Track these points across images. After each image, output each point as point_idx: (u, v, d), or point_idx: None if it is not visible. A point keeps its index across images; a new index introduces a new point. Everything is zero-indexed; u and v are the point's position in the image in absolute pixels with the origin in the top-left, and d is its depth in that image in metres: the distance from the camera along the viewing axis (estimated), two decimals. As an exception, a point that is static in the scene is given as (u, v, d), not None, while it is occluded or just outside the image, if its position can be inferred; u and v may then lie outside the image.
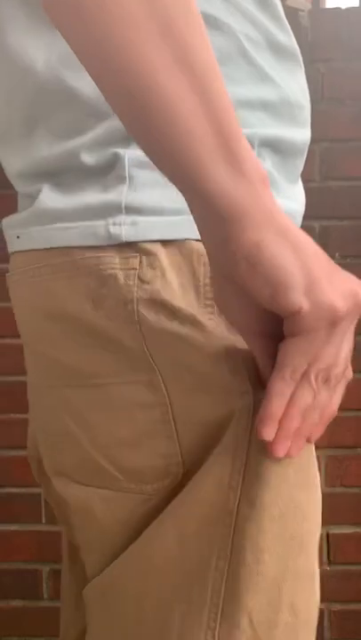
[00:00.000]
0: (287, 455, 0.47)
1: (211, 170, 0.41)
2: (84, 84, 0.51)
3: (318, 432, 0.48)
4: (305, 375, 0.44)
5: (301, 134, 0.61)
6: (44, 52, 0.53)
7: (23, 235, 0.56)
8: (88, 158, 0.53)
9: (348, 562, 1.36)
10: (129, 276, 0.51)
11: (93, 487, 0.55)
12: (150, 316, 0.50)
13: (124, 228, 0.51)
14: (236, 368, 0.50)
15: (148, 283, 0.51)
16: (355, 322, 0.45)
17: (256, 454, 0.50)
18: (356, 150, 1.28)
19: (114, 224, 0.52)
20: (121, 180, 0.52)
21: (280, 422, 0.45)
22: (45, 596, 1.40)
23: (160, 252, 0.52)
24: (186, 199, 0.43)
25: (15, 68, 0.55)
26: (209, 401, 0.51)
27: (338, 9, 1.26)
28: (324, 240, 1.28)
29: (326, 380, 0.45)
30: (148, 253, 0.52)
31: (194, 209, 0.43)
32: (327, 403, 0.47)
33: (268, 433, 0.45)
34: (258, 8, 0.57)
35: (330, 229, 1.28)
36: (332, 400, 0.47)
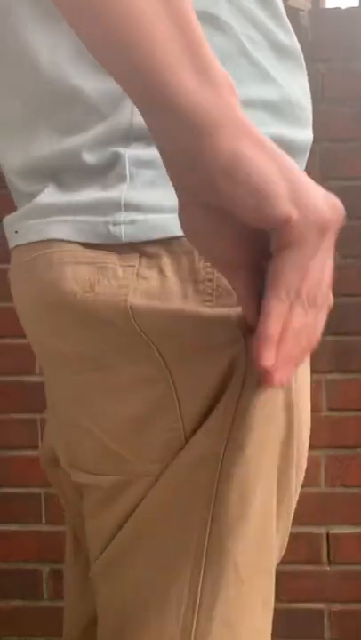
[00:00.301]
0: (279, 384, 0.44)
1: (180, 78, 0.38)
2: (87, 83, 0.51)
3: (304, 358, 0.45)
4: (298, 294, 0.42)
5: (303, 134, 0.61)
6: (48, 48, 0.53)
7: (21, 229, 0.57)
8: (89, 157, 0.53)
9: (349, 562, 1.36)
10: (127, 271, 0.51)
11: (104, 476, 0.55)
12: (142, 301, 0.50)
13: (124, 227, 0.51)
14: (226, 323, 0.50)
15: (145, 279, 0.51)
16: (335, 236, 0.43)
17: (246, 400, 0.50)
18: (357, 150, 1.28)
19: (114, 223, 0.52)
20: (121, 178, 0.52)
21: (278, 346, 0.43)
22: (45, 596, 1.40)
23: (160, 252, 0.52)
24: (150, 122, 0.41)
25: (19, 63, 0.55)
26: (205, 363, 0.51)
27: (338, 9, 1.26)
28: (324, 240, 1.28)
29: (313, 301, 0.43)
30: (146, 254, 0.52)
31: (161, 128, 0.40)
32: (314, 325, 0.44)
33: (269, 357, 0.42)
34: (259, 7, 0.57)
35: (330, 229, 1.28)
36: (318, 321, 0.44)
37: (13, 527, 1.39)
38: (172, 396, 0.52)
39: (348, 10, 1.26)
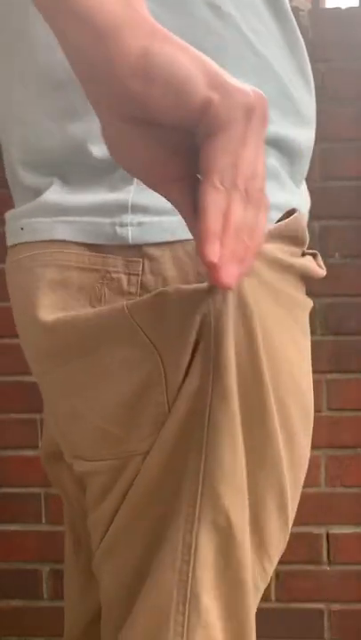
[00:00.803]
0: (227, 283, 0.41)
1: None
2: None
3: (250, 258, 0.43)
4: (233, 183, 0.40)
5: (305, 134, 0.62)
6: (46, 31, 0.53)
7: (27, 226, 0.57)
8: (95, 150, 0.52)
9: (349, 562, 1.36)
10: (132, 282, 0.52)
11: (103, 461, 0.55)
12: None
13: (131, 229, 0.52)
14: (199, 290, 0.50)
15: (149, 292, 0.51)
16: (265, 126, 0.41)
17: (225, 349, 0.50)
18: (357, 150, 1.28)
19: (121, 225, 0.52)
20: (128, 180, 0.52)
21: (221, 242, 0.41)
22: (45, 596, 1.40)
23: (164, 255, 0.52)
24: (57, 31, 0.40)
25: (18, 47, 0.55)
26: (183, 331, 0.51)
27: (338, 9, 1.26)
28: (324, 240, 1.28)
29: (251, 195, 0.41)
30: (151, 258, 0.52)
31: (67, 38, 0.39)
32: (254, 221, 0.42)
33: (213, 251, 0.40)
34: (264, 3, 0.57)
35: (330, 229, 1.28)
36: (259, 220, 0.42)
37: (13, 527, 1.39)
38: (159, 371, 0.52)
39: (349, 10, 1.26)
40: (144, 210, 0.52)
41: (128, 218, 0.52)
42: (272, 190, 0.58)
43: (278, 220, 0.57)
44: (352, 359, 1.31)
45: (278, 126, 0.58)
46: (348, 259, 1.30)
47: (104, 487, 0.56)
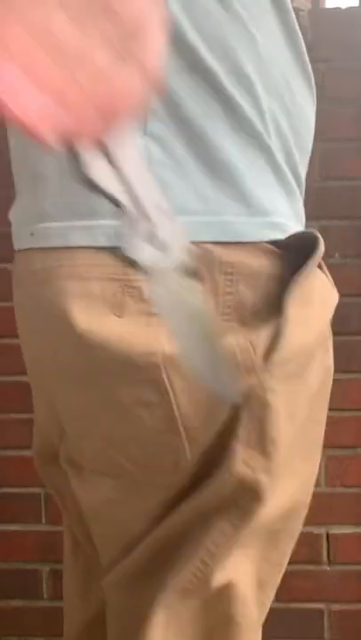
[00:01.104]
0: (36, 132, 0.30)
1: None
2: None
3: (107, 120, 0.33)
4: None
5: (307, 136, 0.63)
6: None
7: (37, 231, 0.56)
8: None
9: (349, 562, 1.36)
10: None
11: (110, 477, 0.55)
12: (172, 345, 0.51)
13: None
14: (243, 353, 0.52)
15: None
16: None
17: (269, 427, 0.52)
18: (357, 150, 1.28)
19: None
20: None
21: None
22: (45, 596, 1.40)
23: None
24: None
25: None
26: (211, 399, 0.52)
27: (338, 9, 1.26)
28: (324, 240, 1.28)
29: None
30: None
31: None
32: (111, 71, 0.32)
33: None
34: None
35: (330, 229, 1.28)
36: (122, 75, 0.32)
37: (13, 527, 1.39)
38: (175, 422, 0.52)
39: (349, 10, 1.27)
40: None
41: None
42: (274, 194, 0.58)
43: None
44: (352, 359, 1.31)
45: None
46: (349, 259, 1.30)
47: (107, 505, 0.57)
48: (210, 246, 0.53)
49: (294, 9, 0.62)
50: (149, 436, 0.53)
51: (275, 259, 0.56)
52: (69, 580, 0.72)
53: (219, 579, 0.54)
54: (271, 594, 0.61)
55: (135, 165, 0.34)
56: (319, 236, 0.56)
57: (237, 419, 0.52)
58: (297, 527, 0.62)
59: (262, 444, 0.52)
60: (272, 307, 0.55)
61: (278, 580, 0.61)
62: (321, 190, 1.27)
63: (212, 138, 0.54)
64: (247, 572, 0.57)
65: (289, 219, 0.60)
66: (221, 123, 0.54)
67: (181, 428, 0.52)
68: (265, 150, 0.57)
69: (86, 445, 0.57)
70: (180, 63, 0.53)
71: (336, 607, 1.37)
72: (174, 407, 0.52)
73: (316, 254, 0.55)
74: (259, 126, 0.56)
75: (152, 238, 0.35)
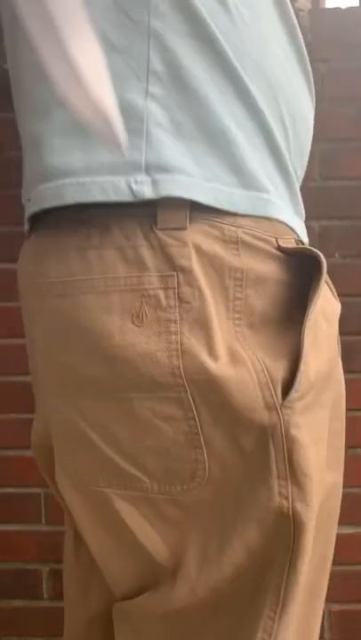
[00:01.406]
0: None
1: None
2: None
3: None
4: None
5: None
6: None
7: (32, 195, 0.56)
8: None
9: (349, 562, 1.36)
10: (169, 296, 0.52)
11: (112, 489, 0.55)
12: (191, 343, 0.52)
13: (146, 187, 0.52)
14: (263, 389, 0.53)
15: (188, 302, 0.52)
16: None
17: (297, 460, 0.54)
18: (357, 150, 1.28)
19: (135, 182, 0.52)
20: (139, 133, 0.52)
21: None
22: (45, 595, 1.40)
23: (195, 267, 0.52)
24: None
25: None
26: (238, 417, 0.53)
27: (338, 9, 1.26)
28: (324, 240, 1.28)
29: None
30: (183, 271, 0.52)
31: None
32: None
33: None
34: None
35: (330, 229, 1.28)
36: None
37: (13, 527, 1.39)
38: (198, 435, 0.53)
39: (348, 10, 1.26)
40: (163, 169, 0.52)
41: (142, 177, 0.52)
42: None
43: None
44: (353, 359, 1.31)
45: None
46: (349, 259, 1.30)
47: (107, 516, 0.58)
48: (222, 255, 0.53)
49: (295, 9, 0.62)
50: (170, 449, 0.54)
51: (281, 264, 0.57)
52: (70, 578, 0.72)
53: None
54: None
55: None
56: (322, 258, 0.56)
57: (267, 452, 0.53)
58: (332, 534, 0.64)
59: (294, 476, 0.53)
60: (280, 310, 0.55)
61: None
62: (321, 190, 1.27)
63: (214, 105, 0.53)
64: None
65: (285, 201, 0.60)
66: (224, 91, 0.54)
67: (203, 443, 0.53)
68: (264, 128, 0.56)
69: (84, 458, 0.58)
70: (186, 27, 0.52)
71: (336, 607, 1.37)
72: (197, 422, 0.53)
73: (320, 280, 0.55)
74: (261, 104, 0.56)
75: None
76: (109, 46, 0.51)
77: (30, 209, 0.57)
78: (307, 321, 0.54)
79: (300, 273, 0.57)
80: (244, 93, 0.54)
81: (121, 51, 0.52)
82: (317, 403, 0.57)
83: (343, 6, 1.26)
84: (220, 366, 0.52)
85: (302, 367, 0.53)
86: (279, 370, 0.54)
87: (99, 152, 0.52)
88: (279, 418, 0.53)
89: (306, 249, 0.57)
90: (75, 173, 0.53)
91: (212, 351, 0.52)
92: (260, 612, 0.54)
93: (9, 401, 1.36)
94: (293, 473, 0.53)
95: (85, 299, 0.53)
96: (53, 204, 0.54)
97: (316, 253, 0.56)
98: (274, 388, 0.53)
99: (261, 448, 0.53)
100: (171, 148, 0.52)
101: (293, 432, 0.53)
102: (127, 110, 0.51)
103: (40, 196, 0.55)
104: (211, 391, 0.52)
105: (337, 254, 1.28)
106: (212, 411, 0.53)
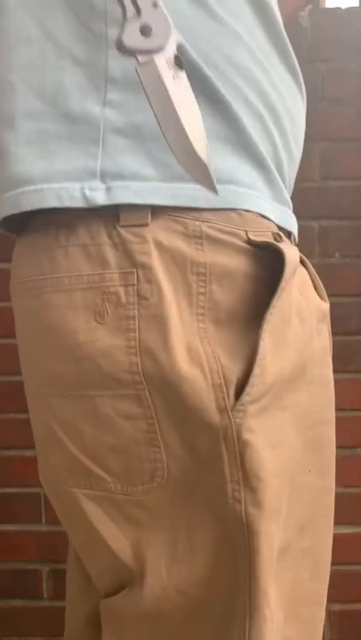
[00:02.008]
0: None
1: None
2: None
3: None
4: None
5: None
6: None
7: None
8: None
9: (349, 562, 1.36)
10: (129, 293, 0.52)
11: (79, 488, 0.56)
12: (148, 340, 0.51)
13: (99, 193, 0.52)
14: (217, 391, 0.52)
15: (146, 299, 0.52)
16: None
17: (249, 464, 0.52)
18: (357, 150, 1.28)
19: (90, 188, 0.52)
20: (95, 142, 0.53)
21: None
22: (45, 595, 1.40)
23: (155, 263, 0.52)
24: None
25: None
26: (192, 418, 0.53)
27: (338, 9, 1.26)
28: (323, 240, 1.28)
29: None
30: (143, 267, 0.52)
31: None
32: None
33: None
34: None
35: (330, 229, 1.28)
36: None
37: (13, 527, 1.39)
38: (156, 433, 0.53)
39: (348, 10, 1.26)
40: (117, 176, 0.53)
41: (96, 184, 0.52)
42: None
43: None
44: (352, 359, 1.31)
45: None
46: (349, 259, 1.30)
47: (78, 516, 0.58)
48: (184, 249, 0.53)
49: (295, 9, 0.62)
50: (130, 447, 0.54)
51: (251, 258, 0.56)
52: (72, 577, 0.72)
53: None
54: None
55: None
56: (286, 253, 0.55)
57: (220, 455, 0.53)
58: (324, 538, 0.63)
59: (247, 480, 0.53)
60: (248, 306, 0.55)
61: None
62: (321, 190, 1.27)
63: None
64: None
65: (260, 191, 0.58)
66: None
67: (161, 442, 0.53)
68: (229, 119, 0.56)
69: (56, 457, 0.58)
70: None
71: (336, 607, 1.37)
72: (155, 420, 0.53)
73: (284, 277, 0.54)
74: (227, 97, 0.55)
75: (139, 24, 0.38)
76: (74, 61, 0.53)
77: None
78: (265, 323, 0.53)
79: (274, 268, 0.56)
80: (207, 88, 0.54)
81: (84, 64, 0.53)
82: (276, 405, 0.55)
83: (343, 6, 1.26)
84: (175, 365, 0.52)
85: (256, 370, 0.52)
86: (235, 371, 0.53)
87: (57, 160, 0.53)
88: (230, 421, 0.52)
89: (271, 244, 0.56)
90: (34, 181, 0.54)
91: (168, 348, 0.52)
92: (233, 623, 0.54)
93: (9, 401, 1.36)
94: (246, 477, 0.53)
95: (52, 297, 0.54)
96: (12, 211, 0.55)
97: (280, 248, 0.55)
98: (227, 390, 0.52)
99: (215, 451, 0.53)
100: (128, 153, 0.53)
101: (246, 436, 0.52)
102: (85, 120, 0.53)
103: (3, 204, 0.56)
104: (167, 390, 0.52)
105: (337, 254, 1.28)
106: (169, 410, 0.52)
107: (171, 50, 0.39)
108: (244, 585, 0.53)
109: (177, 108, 0.44)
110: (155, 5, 0.38)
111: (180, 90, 0.43)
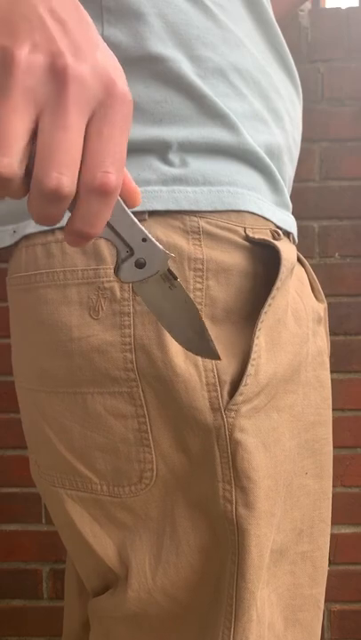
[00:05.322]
0: (88, 237, 0.36)
1: None
2: None
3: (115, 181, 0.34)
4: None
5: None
6: None
7: (19, 228, 0.57)
8: None
9: (349, 562, 1.36)
10: (124, 289, 0.52)
11: (64, 489, 0.56)
12: (143, 337, 0.51)
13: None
14: (210, 390, 0.52)
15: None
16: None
17: (240, 464, 0.52)
18: (357, 150, 1.28)
19: None
20: None
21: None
22: (45, 595, 1.40)
23: None
24: None
25: None
26: (184, 417, 0.52)
27: (338, 9, 1.26)
28: (323, 240, 1.28)
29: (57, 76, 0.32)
30: None
31: None
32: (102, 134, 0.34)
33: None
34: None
35: (330, 229, 1.28)
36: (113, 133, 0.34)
37: (13, 527, 1.39)
38: (147, 432, 0.52)
39: (348, 10, 1.26)
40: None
41: None
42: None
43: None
44: (352, 359, 1.31)
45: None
46: (349, 259, 1.30)
47: (63, 515, 0.58)
48: (182, 244, 0.53)
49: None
50: (119, 447, 0.53)
51: (248, 254, 0.55)
52: (70, 579, 0.72)
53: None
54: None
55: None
56: (281, 252, 0.55)
57: (212, 454, 0.52)
58: (323, 542, 0.62)
59: (238, 480, 0.52)
60: (245, 303, 0.54)
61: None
62: (321, 190, 1.27)
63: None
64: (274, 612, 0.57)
65: (261, 192, 0.58)
66: (172, 94, 0.54)
67: (152, 442, 0.53)
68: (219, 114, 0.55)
69: (44, 455, 0.58)
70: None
71: (336, 607, 1.37)
72: (147, 419, 0.52)
73: (280, 276, 0.54)
74: (233, 104, 0.55)
75: (134, 260, 0.42)
76: None
77: None
78: (259, 322, 0.53)
79: (271, 266, 0.56)
80: (211, 101, 0.54)
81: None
82: (270, 406, 0.54)
83: (343, 6, 1.26)
84: (170, 362, 0.51)
85: (250, 369, 0.52)
86: (229, 370, 0.53)
87: None
88: (223, 420, 0.52)
89: (267, 241, 0.56)
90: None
91: (163, 345, 0.51)
92: (218, 622, 0.53)
93: (9, 401, 1.36)
94: (237, 477, 0.52)
95: (46, 292, 0.54)
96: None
97: (275, 245, 0.55)
98: (220, 389, 0.52)
99: (207, 450, 0.53)
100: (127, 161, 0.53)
101: (238, 435, 0.52)
102: None
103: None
104: (160, 387, 0.52)
105: (337, 254, 1.28)
106: (161, 408, 0.52)
107: (164, 268, 0.42)
108: (230, 585, 0.53)
109: (177, 313, 0.46)
110: (144, 240, 0.41)
111: (176, 298, 0.45)
